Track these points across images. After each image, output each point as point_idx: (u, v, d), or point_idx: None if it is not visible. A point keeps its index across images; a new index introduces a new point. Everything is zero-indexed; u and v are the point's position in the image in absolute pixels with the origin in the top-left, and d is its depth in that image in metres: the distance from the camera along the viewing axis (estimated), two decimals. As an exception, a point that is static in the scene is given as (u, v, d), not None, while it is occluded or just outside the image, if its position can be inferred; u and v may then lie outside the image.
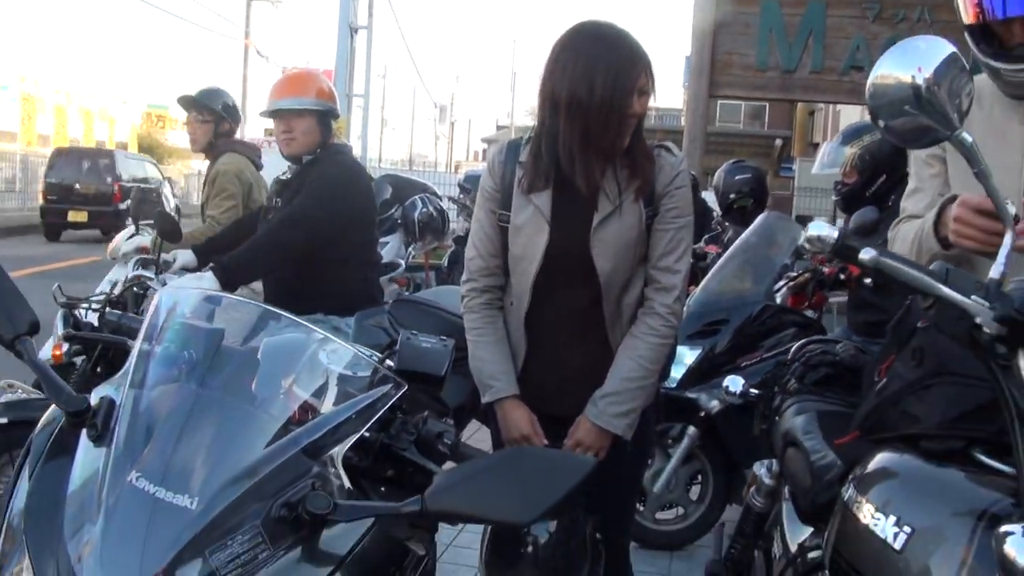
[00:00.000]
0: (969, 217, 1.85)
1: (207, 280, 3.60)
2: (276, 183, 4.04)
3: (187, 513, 1.52)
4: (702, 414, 4.36)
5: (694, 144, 9.27)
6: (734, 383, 3.33)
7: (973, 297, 1.51)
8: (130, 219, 5.19)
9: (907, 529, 1.59)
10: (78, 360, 3.82)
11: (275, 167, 4.11)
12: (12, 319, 1.81)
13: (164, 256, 4.18)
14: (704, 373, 4.41)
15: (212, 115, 5.14)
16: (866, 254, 1.56)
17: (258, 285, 4.14)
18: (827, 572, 1.87)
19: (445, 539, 4.29)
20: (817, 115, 25.83)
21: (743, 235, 5.02)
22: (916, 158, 2.30)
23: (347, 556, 1.64)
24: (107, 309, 3.39)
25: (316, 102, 3.88)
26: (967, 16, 1.99)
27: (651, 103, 2.49)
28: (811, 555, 2.29)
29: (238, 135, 5.76)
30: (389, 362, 2.02)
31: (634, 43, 2.44)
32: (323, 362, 1.89)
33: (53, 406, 1.87)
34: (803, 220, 13.12)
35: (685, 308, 4.44)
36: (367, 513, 1.67)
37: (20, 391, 3.82)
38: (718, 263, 4.96)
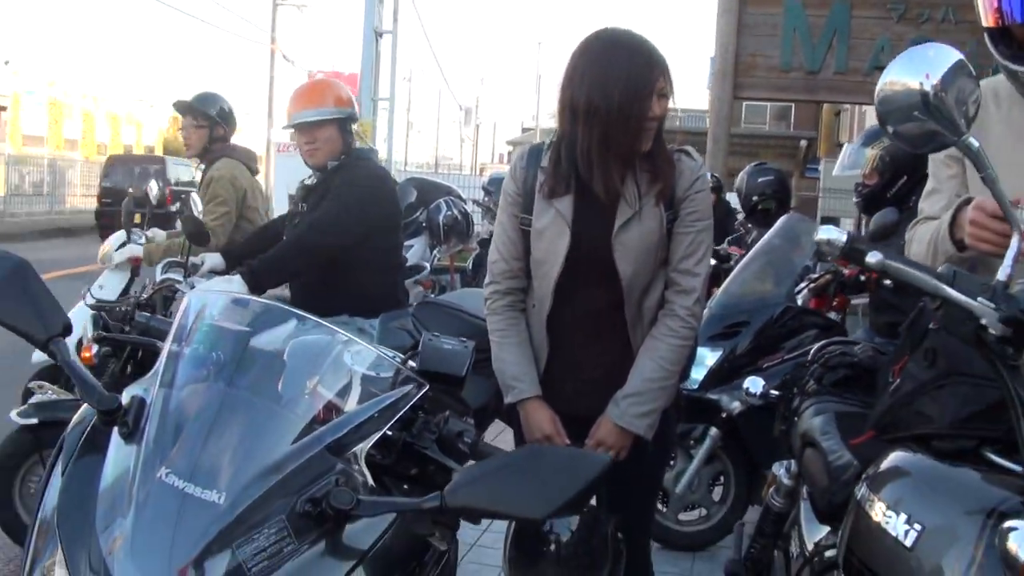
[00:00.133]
0: (984, 220, 1.87)
1: (236, 283, 3.67)
2: (302, 188, 4.09)
3: (215, 508, 1.57)
4: (724, 415, 4.37)
5: (718, 146, 9.29)
6: (754, 384, 3.34)
7: (979, 299, 1.54)
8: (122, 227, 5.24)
9: (917, 527, 1.61)
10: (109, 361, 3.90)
11: (294, 172, 4.15)
12: (45, 321, 1.84)
13: (192, 259, 4.24)
14: (726, 374, 4.42)
15: (207, 120, 5.17)
16: (872, 257, 1.59)
17: (285, 289, 4.20)
18: (841, 570, 1.90)
19: (469, 539, 4.33)
20: (843, 116, 25.64)
21: (764, 237, 5.04)
22: (934, 159, 2.31)
23: (369, 550, 1.68)
24: (137, 311, 3.46)
25: (335, 110, 3.93)
26: (987, 19, 2.01)
27: (673, 104, 2.52)
28: (827, 554, 2.31)
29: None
30: (411, 363, 2.06)
31: (650, 48, 2.47)
32: (347, 363, 1.94)
33: (85, 406, 1.92)
34: (828, 222, 13.08)
35: (706, 310, 4.49)
36: (388, 508, 1.71)
37: (51, 392, 3.90)
38: (739, 265, 4.97)
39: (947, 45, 1.62)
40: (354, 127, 4.08)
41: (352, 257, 3.84)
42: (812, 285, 4.69)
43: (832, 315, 4.80)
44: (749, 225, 6.59)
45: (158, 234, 5.22)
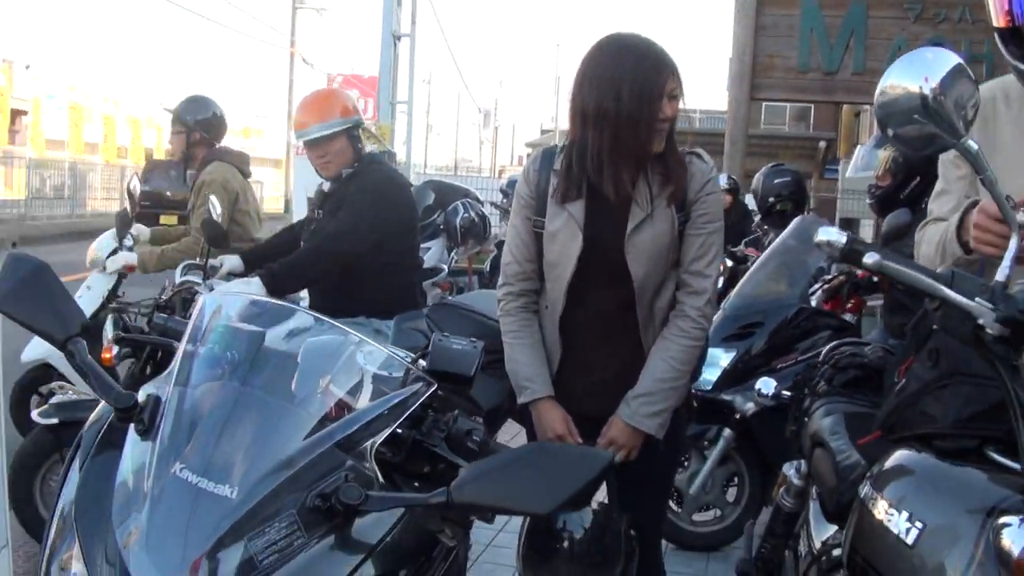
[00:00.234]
0: (988, 223, 1.88)
1: (254, 285, 3.72)
2: (319, 194, 4.15)
3: (227, 502, 1.61)
4: (737, 416, 4.38)
5: (735, 147, 9.28)
6: (766, 385, 3.36)
7: (977, 299, 1.55)
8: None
9: (919, 525, 1.63)
10: (128, 362, 3.95)
11: (314, 174, 4.19)
12: (63, 321, 1.88)
13: (211, 261, 4.29)
14: (740, 375, 4.42)
15: (183, 127, 5.21)
16: (870, 258, 1.61)
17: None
18: (845, 568, 1.91)
19: (483, 539, 4.36)
20: (863, 116, 25.52)
21: (778, 238, 5.04)
22: (944, 160, 2.32)
23: (378, 544, 1.72)
24: (155, 313, 3.51)
25: (343, 121, 3.97)
26: (997, 20, 2.02)
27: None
28: (834, 553, 2.32)
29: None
30: (422, 362, 2.09)
31: (659, 50, 2.50)
32: (359, 363, 1.97)
33: (102, 404, 1.96)
34: (847, 223, 12.99)
35: (720, 311, 4.50)
36: (396, 503, 1.74)
37: (71, 392, 3.96)
38: (753, 266, 4.98)
39: (946, 49, 1.65)
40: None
41: (368, 261, 3.89)
42: (826, 286, 4.69)
43: (848, 316, 4.80)
44: (765, 227, 6.58)
45: (142, 231, 5.24)
